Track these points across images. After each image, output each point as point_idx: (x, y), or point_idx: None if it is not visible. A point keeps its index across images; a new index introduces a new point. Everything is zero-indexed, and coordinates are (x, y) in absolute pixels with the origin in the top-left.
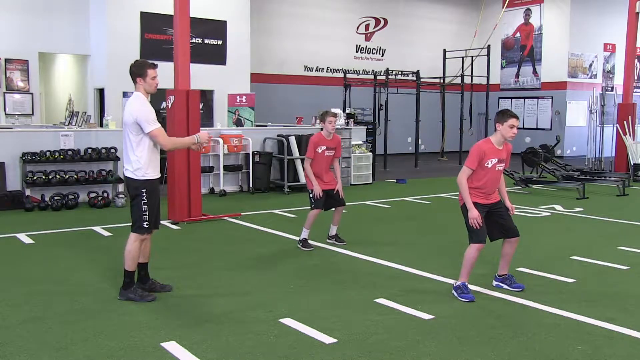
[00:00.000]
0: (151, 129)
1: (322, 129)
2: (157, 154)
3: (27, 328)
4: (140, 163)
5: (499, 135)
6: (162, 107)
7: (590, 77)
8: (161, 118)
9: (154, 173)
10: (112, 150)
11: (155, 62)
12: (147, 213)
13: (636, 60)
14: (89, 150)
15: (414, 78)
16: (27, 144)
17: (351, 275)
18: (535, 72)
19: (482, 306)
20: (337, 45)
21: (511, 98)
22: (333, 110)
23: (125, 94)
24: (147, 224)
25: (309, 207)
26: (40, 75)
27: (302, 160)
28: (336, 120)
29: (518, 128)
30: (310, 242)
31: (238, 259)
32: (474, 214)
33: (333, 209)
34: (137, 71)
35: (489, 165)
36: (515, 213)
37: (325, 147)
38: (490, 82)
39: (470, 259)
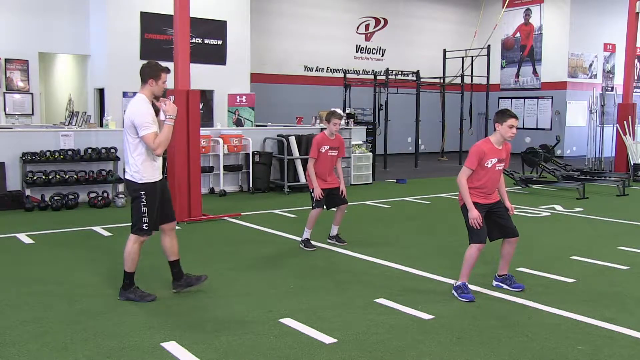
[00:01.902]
0: (143, 133)
1: (322, 128)
2: (155, 157)
3: (27, 328)
4: (137, 166)
5: (499, 135)
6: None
7: (590, 77)
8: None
9: (152, 176)
10: (112, 150)
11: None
12: (146, 215)
13: (636, 60)
14: (89, 150)
15: (414, 78)
16: (27, 144)
17: (351, 275)
18: (535, 72)
19: (482, 306)
20: (337, 45)
21: (511, 98)
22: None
23: (125, 94)
24: (146, 226)
25: (310, 207)
26: (40, 75)
27: (302, 161)
28: (341, 123)
29: (518, 128)
30: (312, 242)
31: (238, 259)
32: (474, 214)
33: (335, 208)
34: (152, 73)
35: (489, 165)
36: (515, 213)
37: (328, 147)
38: (490, 82)
39: (470, 259)
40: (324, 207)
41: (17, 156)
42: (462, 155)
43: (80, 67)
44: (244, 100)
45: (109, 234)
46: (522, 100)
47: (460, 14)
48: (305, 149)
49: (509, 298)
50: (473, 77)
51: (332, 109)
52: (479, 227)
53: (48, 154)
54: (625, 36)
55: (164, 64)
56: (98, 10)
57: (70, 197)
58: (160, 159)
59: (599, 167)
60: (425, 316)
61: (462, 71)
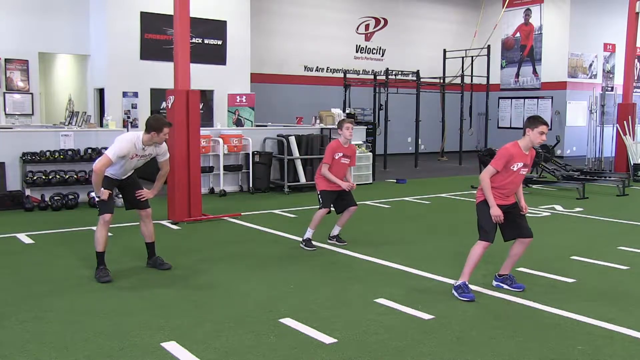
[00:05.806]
0: (107, 151)
1: (322, 128)
2: (118, 169)
3: (27, 328)
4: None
5: (528, 141)
6: (162, 107)
7: (590, 77)
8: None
9: (111, 174)
10: None
11: (170, 122)
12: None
13: (636, 60)
14: (89, 150)
15: (414, 78)
16: (27, 144)
17: (351, 276)
18: (535, 72)
19: (482, 306)
20: (337, 45)
21: (511, 98)
22: (333, 110)
23: (125, 94)
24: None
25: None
26: (40, 75)
27: (302, 161)
28: (353, 127)
29: (518, 128)
30: (313, 242)
31: (238, 259)
32: (496, 212)
33: (343, 211)
34: (155, 127)
35: (515, 169)
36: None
37: (342, 154)
38: (490, 82)
39: (474, 256)
40: (335, 210)
41: (17, 156)
42: (462, 155)
43: (80, 67)
44: (244, 100)
45: (109, 234)
46: (522, 100)
47: (460, 14)
48: (306, 149)
49: (509, 298)
50: (473, 77)
51: (342, 118)
52: (500, 222)
53: (48, 154)
54: (625, 36)
55: (164, 64)
56: (98, 10)
57: (70, 197)
58: (123, 172)
59: (599, 167)
60: (425, 316)
61: (462, 71)
